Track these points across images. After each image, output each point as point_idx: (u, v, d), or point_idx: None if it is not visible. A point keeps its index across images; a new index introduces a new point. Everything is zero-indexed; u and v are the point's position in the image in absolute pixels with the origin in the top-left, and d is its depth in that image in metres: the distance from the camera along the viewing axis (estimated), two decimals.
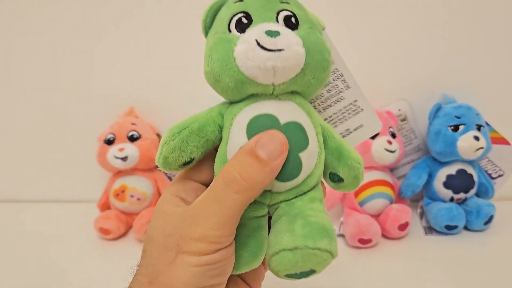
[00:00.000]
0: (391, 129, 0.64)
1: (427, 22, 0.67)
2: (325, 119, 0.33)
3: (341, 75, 0.32)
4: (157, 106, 0.75)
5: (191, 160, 0.28)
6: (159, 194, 0.70)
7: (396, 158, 0.63)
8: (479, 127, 0.62)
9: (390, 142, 0.62)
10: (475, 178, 0.64)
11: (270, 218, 0.30)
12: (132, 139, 0.68)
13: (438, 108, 0.65)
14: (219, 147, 0.28)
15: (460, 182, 0.63)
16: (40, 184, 0.83)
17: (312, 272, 0.26)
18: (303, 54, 0.26)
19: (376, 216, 0.62)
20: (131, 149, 0.66)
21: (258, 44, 0.25)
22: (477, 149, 0.61)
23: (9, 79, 0.78)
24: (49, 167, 0.81)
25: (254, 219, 0.29)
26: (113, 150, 0.66)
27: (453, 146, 0.61)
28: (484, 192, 0.66)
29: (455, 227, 0.61)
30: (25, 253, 0.63)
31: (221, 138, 0.29)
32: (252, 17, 0.26)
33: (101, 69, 0.75)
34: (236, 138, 0.27)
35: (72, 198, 0.81)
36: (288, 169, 0.27)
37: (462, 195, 0.63)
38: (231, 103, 0.29)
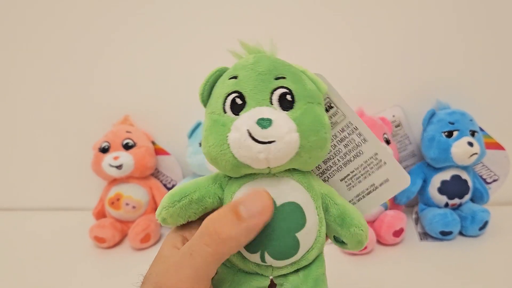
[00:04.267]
0: (385, 136, 0.64)
1: (421, 29, 0.68)
2: (348, 175, 0.32)
3: (356, 128, 0.31)
4: (152, 114, 0.75)
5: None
6: (155, 202, 0.70)
7: None
8: (473, 133, 0.63)
9: None
10: (470, 183, 0.64)
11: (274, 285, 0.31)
12: (127, 147, 0.68)
13: (432, 114, 0.65)
14: None
15: (454, 188, 0.63)
16: (35, 192, 0.82)
17: None
18: (297, 140, 0.26)
19: (371, 222, 0.62)
20: (126, 157, 0.66)
21: (250, 135, 0.25)
22: (471, 155, 0.61)
23: (4, 87, 0.78)
24: (44, 175, 0.81)
25: None
26: (108, 158, 0.66)
27: (447, 152, 0.61)
28: (479, 197, 0.66)
29: (450, 233, 0.61)
30: (20, 261, 0.63)
31: (219, 206, 0.30)
32: (246, 99, 0.26)
33: (95, 77, 0.75)
34: None
35: (67, 206, 0.81)
36: (285, 249, 0.27)
37: (457, 201, 0.63)
38: (231, 177, 0.30)
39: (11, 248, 0.68)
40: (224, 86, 0.28)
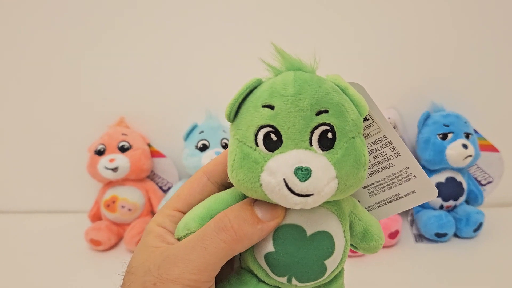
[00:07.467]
0: None
1: (415, 31, 0.68)
2: (372, 183, 0.32)
3: (390, 142, 0.30)
4: (147, 116, 0.75)
5: None
6: (150, 205, 0.70)
7: None
8: (467, 135, 0.63)
9: None
10: (465, 185, 0.64)
11: None
12: (122, 149, 0.68)
13: (427, 117, 0.66)
14: (247, 249, 0.28)
15: (449, 190, 0.63)
16: (30, 195, 0.82)
17: None
18: (335, 188, 0.24)
19: None
20: (121, 160, 0.66)
21: (286, 184, 0.23)
22: (466, 157, 0.61)
23: None
24: (40, 178, 0.81)
25: None
26: (103, 161, 0.66)
27: (442, 154, 0.62)
28: (474, 199, 0.66)
29: (445, 234, 0.61)
30: (15, 264, 0.63)
31: None
32: (283, 137, 0.24)
33: (91, 79, 0.75)
34: (263, 246, 0.27)
35: (62, 208, 0.80)
36: (313, 275, 0.27)
37: (451, 203, 0.64)
38: None
39: (7, 251, 0.68)
40: (257, 115, 0.25)
